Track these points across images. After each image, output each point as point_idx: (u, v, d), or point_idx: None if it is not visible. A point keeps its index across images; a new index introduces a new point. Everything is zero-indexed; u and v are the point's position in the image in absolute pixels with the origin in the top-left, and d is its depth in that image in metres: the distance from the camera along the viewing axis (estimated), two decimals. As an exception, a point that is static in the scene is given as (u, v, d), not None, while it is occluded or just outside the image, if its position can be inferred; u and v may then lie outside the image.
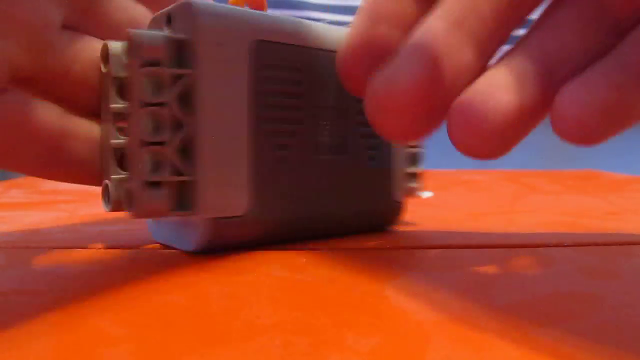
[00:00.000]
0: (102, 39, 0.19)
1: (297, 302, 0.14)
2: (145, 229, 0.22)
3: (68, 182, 0.19)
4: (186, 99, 0.18)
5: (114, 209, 0.18)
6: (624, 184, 0.43)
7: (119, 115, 0.18)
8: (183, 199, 0.18)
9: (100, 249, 0.20)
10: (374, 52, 0.15)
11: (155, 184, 0.17)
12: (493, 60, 0.15)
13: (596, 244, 0.21)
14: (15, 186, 0.46)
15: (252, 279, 0.16)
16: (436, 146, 0.41)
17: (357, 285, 0.16)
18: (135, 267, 0.18)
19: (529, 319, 0.13)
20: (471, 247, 0.21)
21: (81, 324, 0.13)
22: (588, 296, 0.15)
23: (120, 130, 0.18)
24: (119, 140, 0.18)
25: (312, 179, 0.21)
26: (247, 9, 0.20)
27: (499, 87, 0.14)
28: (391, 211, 0.24)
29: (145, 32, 0.17)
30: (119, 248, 0.20)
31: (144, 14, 0.20)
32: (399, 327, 0.13)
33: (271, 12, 0.21)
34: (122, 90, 0.18)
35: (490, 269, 0.18)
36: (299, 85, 0.20)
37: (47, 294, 0.15)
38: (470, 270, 0.17)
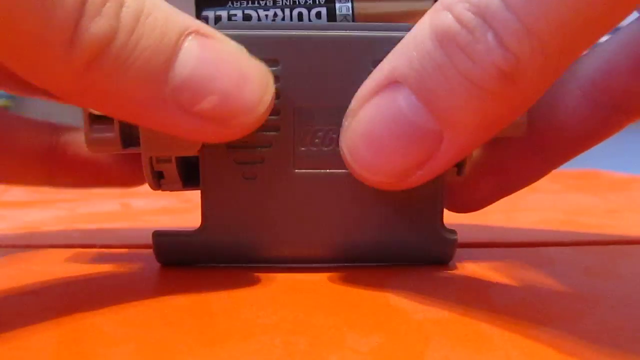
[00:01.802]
0: None
1: (297, 302, 0.14)
2: (146, 228, 0.22)
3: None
4: None
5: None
6: (624, 183, 0.43)
7: None
8: (133, 135, 0.17)
9: (100, 248, 0.20)
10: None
11: (107, 119, 0.17)
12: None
13: (596, 243, 0.21)
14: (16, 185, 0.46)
15: (252, 279, 0.16)
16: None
17: (357, 285, 0.16)
18: (135, 266, 0.18)
19: (529, 319, 0.13)
20: (471, 246, 0.21)
21: (81, 323, 0.13)
22: (588, 296, 0.15)
23: None
24: None
25: (288, 197, 0.17)
26: None
27: None
28: (434, 247, 0.17)
29: None
30: (119, 247, 0.20)
31: None
32: (399, 327, 0.13)
33: None
34: None
35: (490, 268, 0.18)
36: (276, 82, 0.15)
37: (46, 293, 0.15)
38: (471, 269, 0.17)
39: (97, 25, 0.12)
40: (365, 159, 0.14)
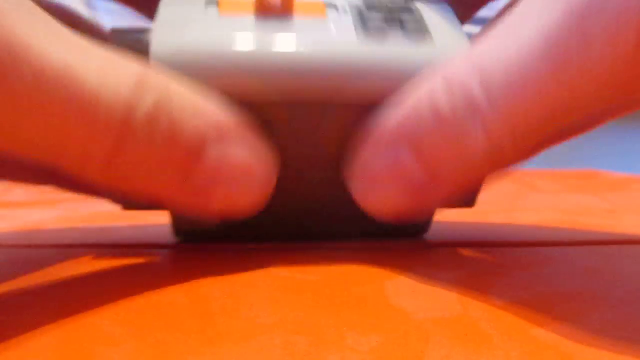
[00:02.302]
0: None
1: (297, 302, 0.14)
2: (146, 229, 0.22)
3: None
4: None
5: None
6: (624, 184, 0.43)
7: None
8: None
9: (100, 247, 0.20)
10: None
11: None
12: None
13: (596, 243, 0.21)
14: (17, 185, 0.46)
15: (252, 279, 0.16)
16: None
17: (357, 285, 0.16)
18: (135, 266, 0.18)
19: (529, 319, 0.13)
20: (471, 246, 0.21)
21: (81, 323, 0.13)
22: (588, 296, 0.15)
23: None
24: None
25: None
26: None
27: None
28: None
29: None
30: (119, 247, 0.20)
31: None
32: (399, 327, 0.13)
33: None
34: None
35: (490, 268, 0.18)
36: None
37: (47, 293, 0.15)
38: (471, 269, 0.17)
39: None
40: (358, 188, 0.16)
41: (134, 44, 0.16)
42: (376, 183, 0.15)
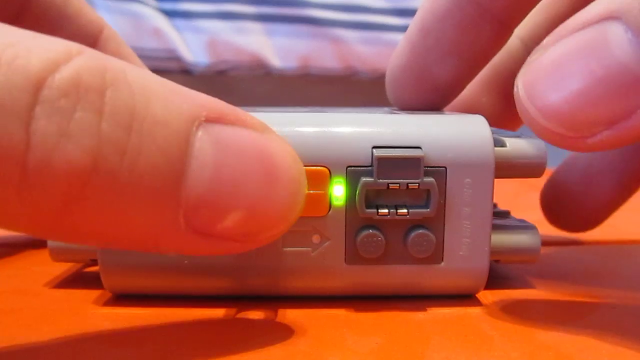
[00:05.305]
0: None
1: (297, 303, 0.14)
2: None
3: None
4: None
5: None
6: (624, 182, 0.43)
7: None
8: None
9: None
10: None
11: None
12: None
13: (596, 243, 0.21)
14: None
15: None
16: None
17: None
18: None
19: (529, 319, 0.13)
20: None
21: (81, 323, 0.13)
22: (588, 296, 0.15)
23: None
24: None
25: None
26: None
27: None
28: None
29: None
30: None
31: None
32: (399, 327, 0.13)
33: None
34: None
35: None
36: None
37: (47, 293, 0.15)
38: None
39: (64, 154, 0.09)
40: (545, 98, 0.11)
41: None
42: (563, 78, 0.11)
